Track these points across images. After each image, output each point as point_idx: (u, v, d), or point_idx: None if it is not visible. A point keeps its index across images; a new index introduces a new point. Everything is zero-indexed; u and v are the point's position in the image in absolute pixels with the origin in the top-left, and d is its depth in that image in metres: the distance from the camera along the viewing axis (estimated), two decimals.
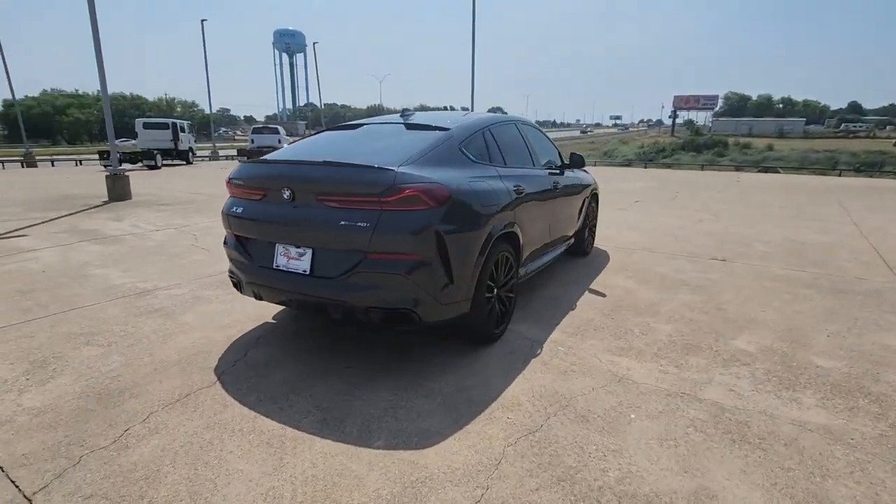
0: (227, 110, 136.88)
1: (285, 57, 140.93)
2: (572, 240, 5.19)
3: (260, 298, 3.05)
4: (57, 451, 2.20)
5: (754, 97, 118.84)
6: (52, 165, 28.67)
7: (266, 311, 3.85)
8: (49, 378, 2.85)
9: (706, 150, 54.30)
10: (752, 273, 4.98)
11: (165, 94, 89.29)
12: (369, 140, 3.32)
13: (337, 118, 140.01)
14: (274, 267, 2.90)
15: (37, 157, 28.07)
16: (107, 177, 10.08)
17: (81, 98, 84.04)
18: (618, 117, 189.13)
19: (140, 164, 20.85)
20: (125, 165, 18.37)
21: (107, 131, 10.49)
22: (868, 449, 2.22)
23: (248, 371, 2.94)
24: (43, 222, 7.95)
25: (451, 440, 2.28)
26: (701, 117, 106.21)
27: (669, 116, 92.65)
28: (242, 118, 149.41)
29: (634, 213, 8.84)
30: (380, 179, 2.57)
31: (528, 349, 3.23)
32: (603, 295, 4.32)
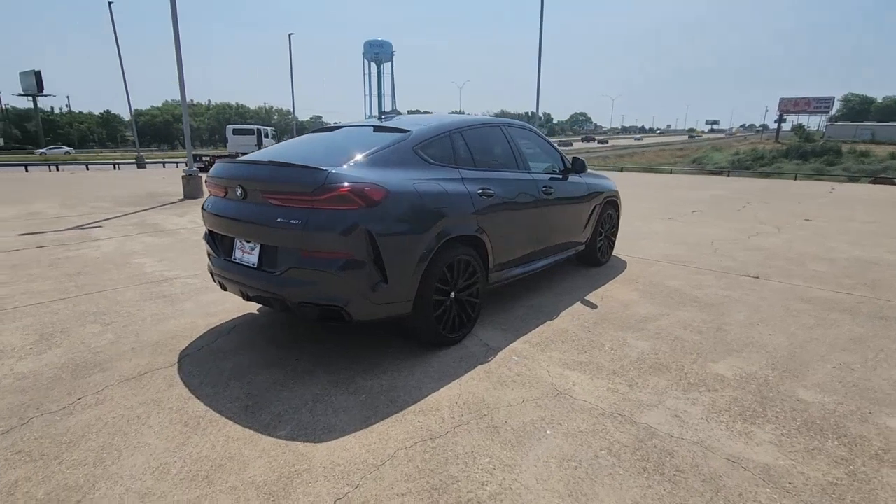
0: (319, 117, 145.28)
1: (374, 66, 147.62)
2: (582, 247, 4.97)
3: (224, 289, 3.26)
4: (15, 411, 2.51)
5: (879, 99, 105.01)
6: (164, 167, 32.24)
7: (251, 303, 4.08)
8: (47, 349, 3.25)
9: (814, 158, 48.93)
10: (784, 293, 4.45)
11: (265, 104, 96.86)
12: (333, 141, 3.43)
13: None
14: (233, 260, 3.09)
15: (149, 160, 31.70)
16: (182, 177, 11.20)
17: (195, 108, 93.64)
18: (714, 122, 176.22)
19: None
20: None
21: (185, 138, 11.62)
22: (802, 497, 1.92)
23: (208, 356, 3.15)
24: (122, 216, 8.99)
25: (350, 437, 2.29)
26: (814, 122, 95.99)
27: (775, 121, 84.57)
28: (333, 124, 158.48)
29: (685, 223, 8.22)
30: (312, 179, 2.66)
31: (481, 356, 3.15)
32: (594, 306, 4.08)
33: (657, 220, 8.56)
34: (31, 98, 74.85)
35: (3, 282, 4.75)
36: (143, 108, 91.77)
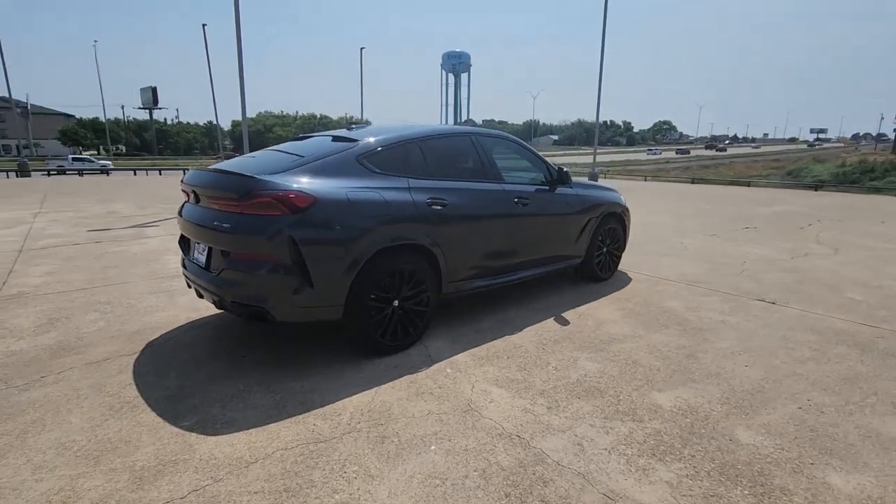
0: None
1: (451, 77, 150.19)
2: (578, 261, 4.76)
3: (189, 287, 3.50)
4: None
5: None
6: None
7: None
8: (45, 332, 3.67)
9: None
10: (794, 321, 3.98)
11: (345, 114, 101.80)
12: (292, 150, 3.57)
13: None
14: (192, 260, 3.32)
15: None
16: None
17: (284, 118, 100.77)
18: (821, 130, 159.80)
19: None
20: None
21: (244, 146, 12.57)
22: None
23: (170, 348, 3.40)
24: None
25: (241, 434, 2.38)
26: None
27: (895, 129, 75.14)
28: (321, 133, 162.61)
29: (725, 240, 7.58)
30: (241, 186, 2.81)
31: (416, 365, 3.13)
32: (566, 323, 3.90)
33: (696, 236, 7.97)
34: (147, 111, 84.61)
35: (50, 271, 5.41)
36: (240, 119, 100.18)
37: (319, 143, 3.56)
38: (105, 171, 35.16)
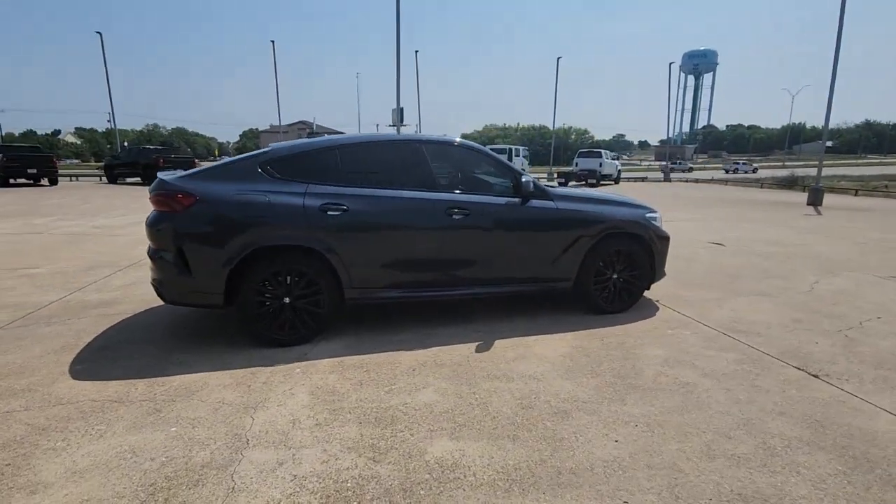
0: (622, 136, 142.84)
1: (690, 79, 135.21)
2: (565, 285, 4.11)
3: None
4: None
5: None
6: None
7: None
8: (43, 294, 4.99)
9: None
10: (808, 406, 2.74)
11: (563, 124, 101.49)
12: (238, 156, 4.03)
13: (739, 140, 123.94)
14: None
15: None
16: None
17: (506, 130, 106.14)
18: None
19: None
20: None
21: None
22: None
23: (123, 323, 4.07)
24: None
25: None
26: None
27: None
28: (636, 143, 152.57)
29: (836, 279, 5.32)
30: (154, 186, 3.41)
31: (278, 360, 3.26)
32: (483, 350, 3.48)
33: (847, 275, 5.77)
34: (395, 128, 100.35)
35: None
36: (468, 132, 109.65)
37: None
38: None
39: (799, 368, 3.22)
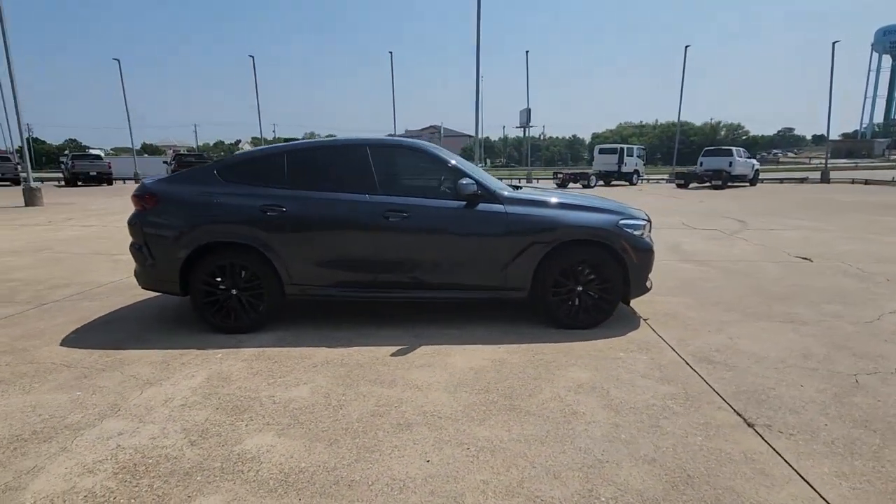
0: (790, 130, 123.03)
1: (886, 59, 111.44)
2: (515, 294, 3.87)
3: None
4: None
5: None
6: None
7: None
8: (110, 276, 5.89)
9: None
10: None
11: (711, 119, 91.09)
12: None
13: None
14: None
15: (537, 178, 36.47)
16: None
17: (642, 128, 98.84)
18: None
19: (577, 183, 24.36)
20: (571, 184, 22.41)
21: (476, 156, 13.93)
22: None
23: (142, 303, 4.89)
24: None
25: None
26: None
27: None
28: (810, 137, 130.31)
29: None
30: (136, 187, 4.00)
31: (201, 345, 3.61)
32: (399, 354, 3.45)
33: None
34: (522, 129, 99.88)
35: None
36: (600, 132, 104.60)
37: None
38: None
39: (737, 413, 2.64)
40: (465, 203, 3.79)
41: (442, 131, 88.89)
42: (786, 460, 2.22)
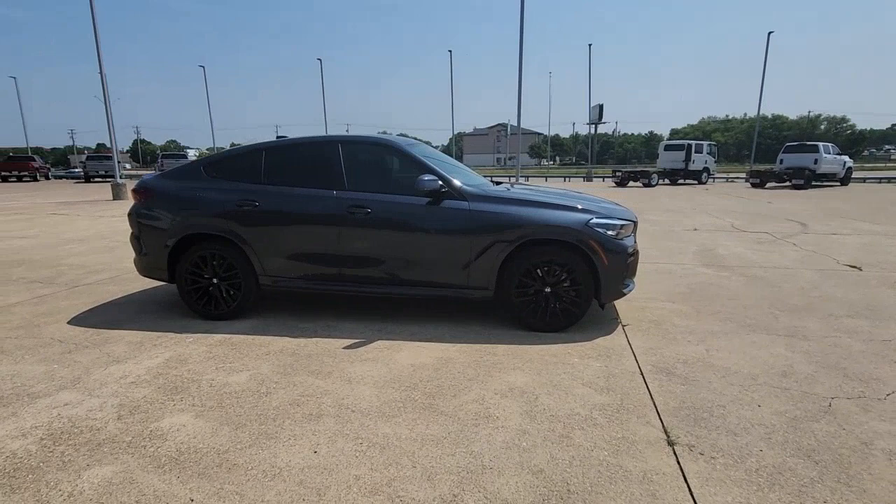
0: None
1: None
2: (479, 293, 3.79)
3: None
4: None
5: None
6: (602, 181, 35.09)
7: None
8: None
9: None
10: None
11: (809, 112, 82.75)
12: None
13: None
14: None
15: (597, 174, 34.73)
16: None
17: (728, 123, 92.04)
18: None
19: (638, 182, 23.06)
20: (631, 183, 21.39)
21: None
22: None
23: (158, 289, 5.32)
24: None
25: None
26: None
27: None
28: None
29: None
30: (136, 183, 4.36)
31: (173, 328, 3.87)
32: (351, 347, 3.51)
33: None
34: (593, 125, 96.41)
35: None
36: (679, 127, 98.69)
37: None
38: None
39: (664, 430, 2.42)
40: (428, 200, 3.77)
41: (509, 129, 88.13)
42: (688, 485, 2.02)
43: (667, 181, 23.90)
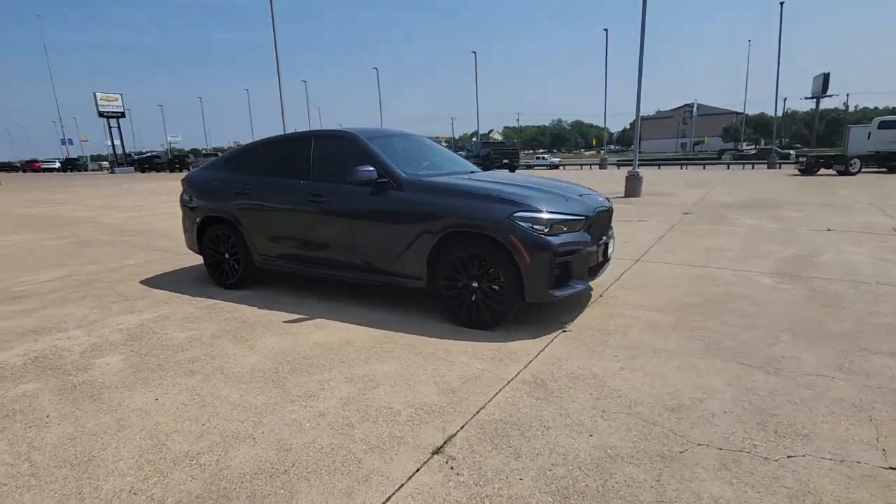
0: None
1: None
2: (415, 283, 3.82)
3: None
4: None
5: None
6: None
7: None
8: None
9: None
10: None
11: None
12: None
13: None
14: None
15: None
16: (626, 177, 12.19)
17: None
18: None
19: (831, 169, 18.39)
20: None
21: (635, 140, 12.22)
22: None
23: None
24: None
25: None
26: None
27: None
28: None
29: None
30: None
31: (200, 294, 4.71)
32: (289, 323, 3.91)
33: None
34: (815, 100, 78.69)
35: None
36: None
37: None
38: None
39: (446, 439, 2.26)
40: (371, 189, 3.92)
41: (695, 109, 78.21)
42: (397, 490, 1.92)
43: (875, 167, 18.73)
